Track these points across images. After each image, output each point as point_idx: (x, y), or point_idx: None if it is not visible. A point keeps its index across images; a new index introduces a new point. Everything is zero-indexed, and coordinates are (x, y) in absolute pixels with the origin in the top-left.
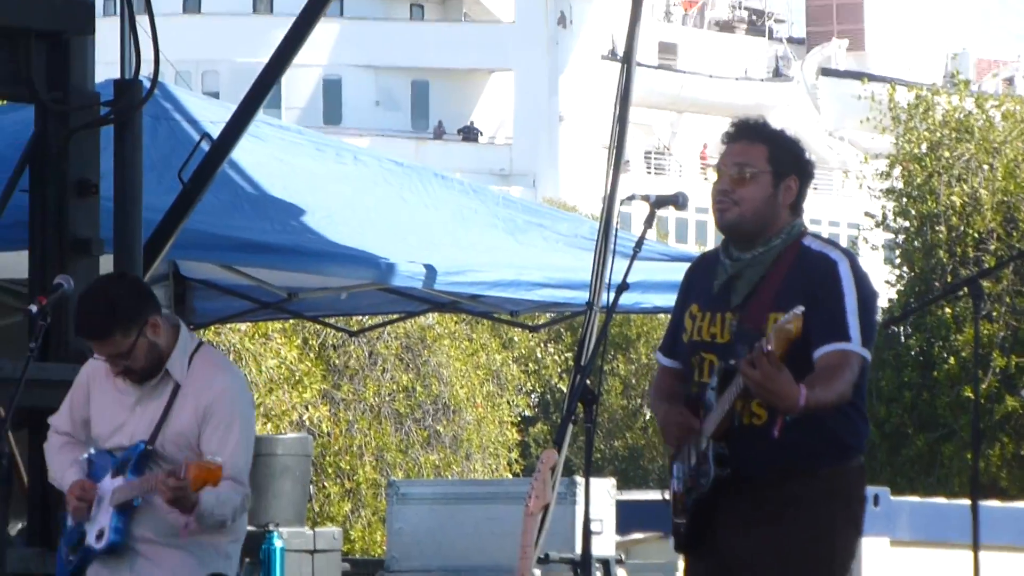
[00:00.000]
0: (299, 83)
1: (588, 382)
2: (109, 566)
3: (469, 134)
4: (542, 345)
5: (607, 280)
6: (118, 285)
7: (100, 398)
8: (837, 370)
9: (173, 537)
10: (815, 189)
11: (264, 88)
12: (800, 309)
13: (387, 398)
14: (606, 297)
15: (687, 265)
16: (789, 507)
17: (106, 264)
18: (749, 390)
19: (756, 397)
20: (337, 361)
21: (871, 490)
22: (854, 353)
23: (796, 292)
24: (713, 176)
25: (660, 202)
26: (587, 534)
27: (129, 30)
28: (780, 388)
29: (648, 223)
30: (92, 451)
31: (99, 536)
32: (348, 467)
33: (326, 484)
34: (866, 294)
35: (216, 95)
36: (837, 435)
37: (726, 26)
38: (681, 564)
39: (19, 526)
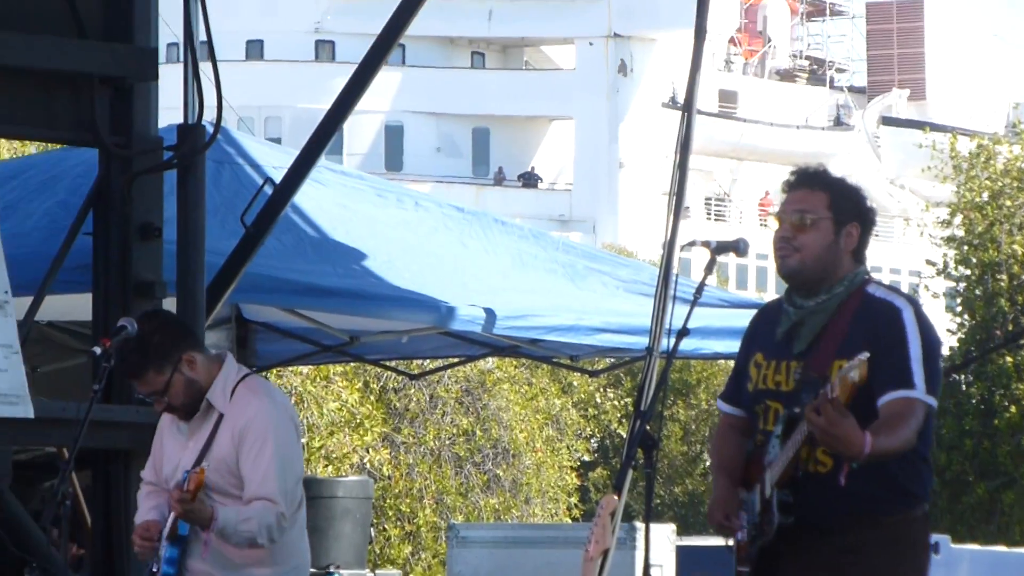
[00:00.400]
0: (361, 129)
1: (648, 427)
2: None
3: (529, 180)
4: (601, 390)
5: (667, 325)
6: (150, 324)
7: (168, 443)
8: (902, 418)
9: (227, 569)
10: (876, 237)
11: (327, 134)
12: (865, 355)
13: (447, 441)
14: (666, 343)
15: (747, 311)
16: (851, 554)
17: (169, 306)
18: (814, 437)
19: (821, 444)
20: (398, 404)
21: (932, 538)
22: (919, 401)
23: (860, 339)
24: (773, 223)
25: (720, 248)
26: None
27: (192, 76)
28: (845, 435)
29: (708, 269)
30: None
31: (154, 572)
32: (408, 510)
33: (386, 527)
34: (931, 341)
35: (278, 140)
36: (901, 483)
37: (787, 75)
38: None
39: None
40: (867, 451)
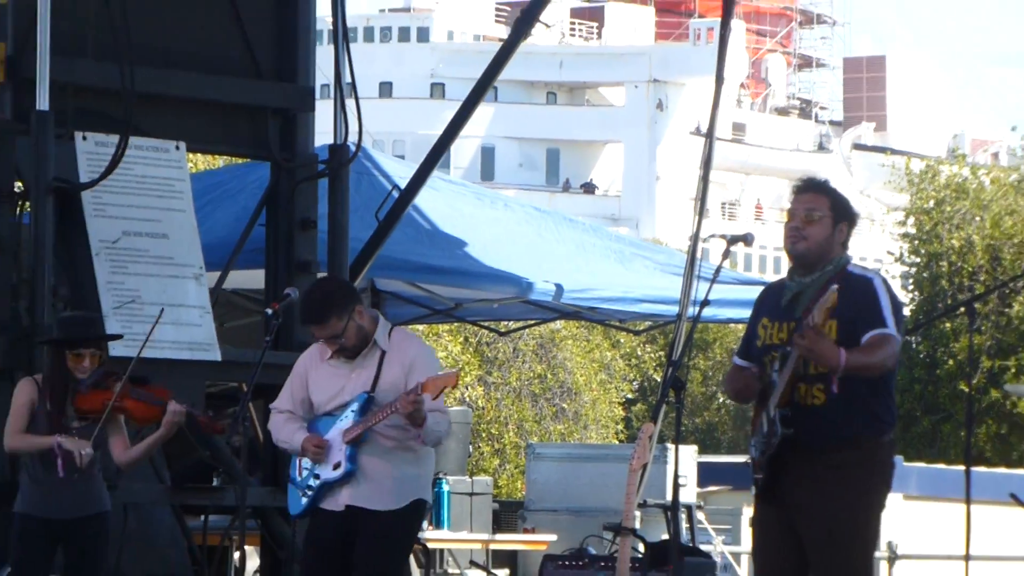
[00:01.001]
0: (464, 150)
1: (677, 373)
2: (334, 492)
3: (588, 188)
4: (642, 345)
5: (692, 297)
6: (330, 282)
7: (317, 378)
8: (878, 345)
9: (389, 467)
10: None
11: (439, 153)
12: (835, 287)
13: (526, 382)
14: (691, 310)
15: (752, 287)
16: (835, 470)
17: None
18: (804, 362)
19: (808, 359)
20: (489, 354)
21: None
22: (891, 335)
23: (844, 304)
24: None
25: (733, 240)
26: (675, 486)
27: (340, 109)
28: (824, 350)
29: (724, 256)
30: (313, 420)
31: (335, 467)
32: (496, 433)
33: (480, 445)
34: (895, 298)
35: (402, 158)
36: (876, 413)
37: (783, 111)
38: (746, 510)
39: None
40: (843, 363)
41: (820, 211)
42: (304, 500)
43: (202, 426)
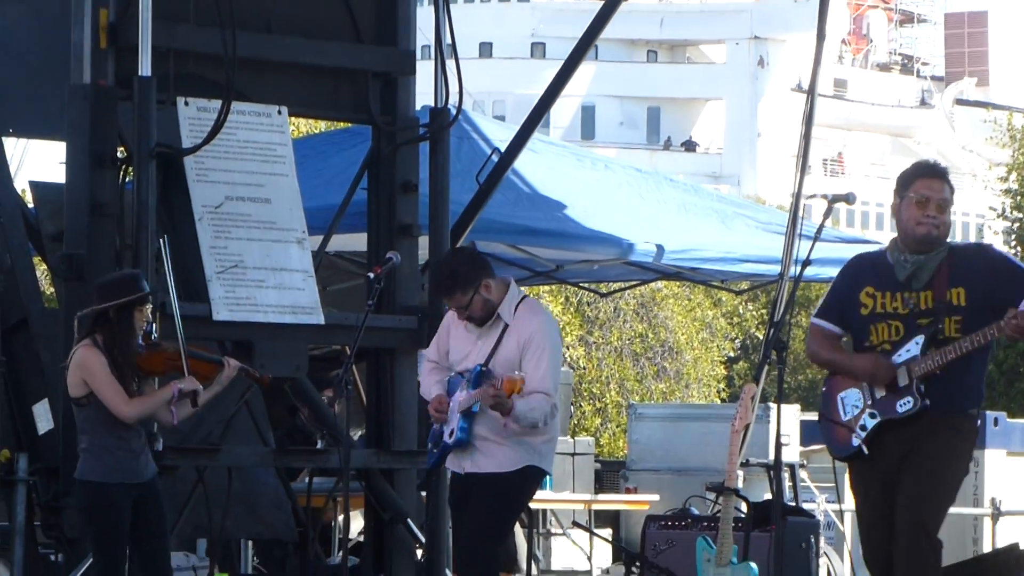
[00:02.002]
0: (564, 109)
1: (779, 335)
2: (458, 456)
3: (690, 146)
4: (743, 303)
5: (794, 256)
6: (459, 256)
7: (455, 335)
8: None
9: (501, 436)
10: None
11: (539, 115)
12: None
13: (627, 342)
14: (793, 270)
15: (855, 245)
16: (946, 431)
17: (423, 243)
18: (935, 333)
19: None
20: (590, 314)
21: (991, 414)
22: None
23: (967, 273)
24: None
25: (835, 199)
26: (778, 446)
27: (441, 71)
28: None
29: (826, 215)
30: (452, 373)
31: (450, 434)
32: (598, 392)
33: (582, 404)
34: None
35: (502, 119)
36: (978, 387)
37: (884, 67)
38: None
39: (359, 433)
40: None
41: (950, 201)
42: (435, 453)
43: (254, 381)
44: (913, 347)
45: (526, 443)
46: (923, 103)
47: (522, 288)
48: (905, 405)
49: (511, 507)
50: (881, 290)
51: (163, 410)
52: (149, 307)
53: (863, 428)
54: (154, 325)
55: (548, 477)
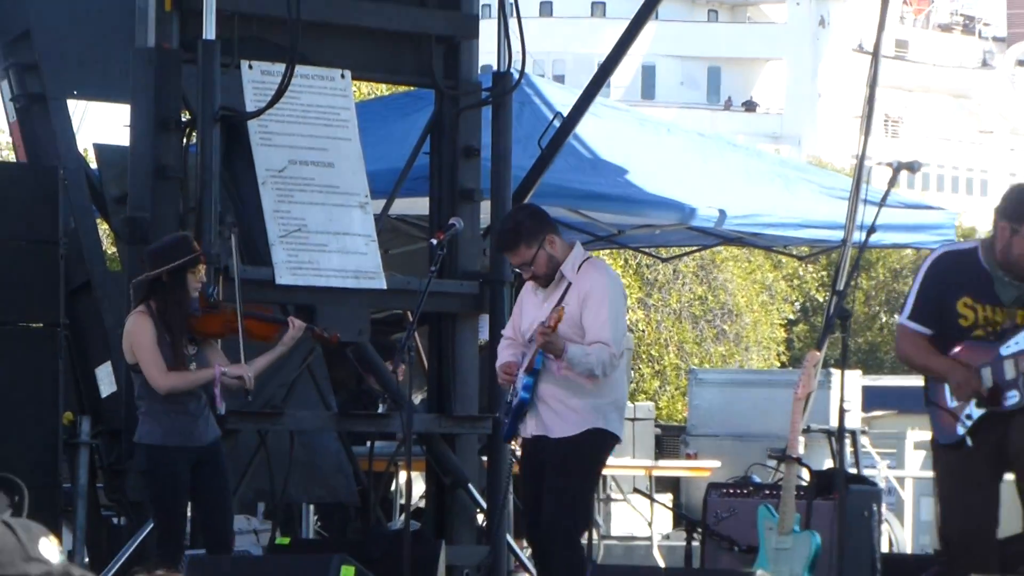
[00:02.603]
0: (624, 69)
1: (844, 304)
2: (526, 418)
3: (750, 106)
4: (804, 266)
5: (857, 222)
6: (523, 212)
7: (527, 307)
8: None
9: (564, 396)
10: (1012, 151)
11: (602, 80)
12: None
13: (686, 304)
14: (857, 235)
15: (917, 211)
16: None
17: (484, 208)
18: None
19: None
20: (649, 276)
21: None
22: None
23: None
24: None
25: (900, 167)
26: (841, 415)
27: (504, 36)
28: None
29: (890, 183)
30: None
31: (513, 396)
32: (657, 355)
33: (640, 367)
34: None
35: (562, 78)
36: None
37: (946, 27)
38: (910, 434)
39: (420, 398)
40: None
41: None
42: (506, 423)
43: (321, 341)
44: (1023, 339)
45: (589, 405)
46: (984, 64)
47: None
48: (1012, 398)
49: (583, 475)
50: (981, 303)
51: (218, 391)
52: (203, 269)
53: (968, 417)
54: (216, 288)
55: None
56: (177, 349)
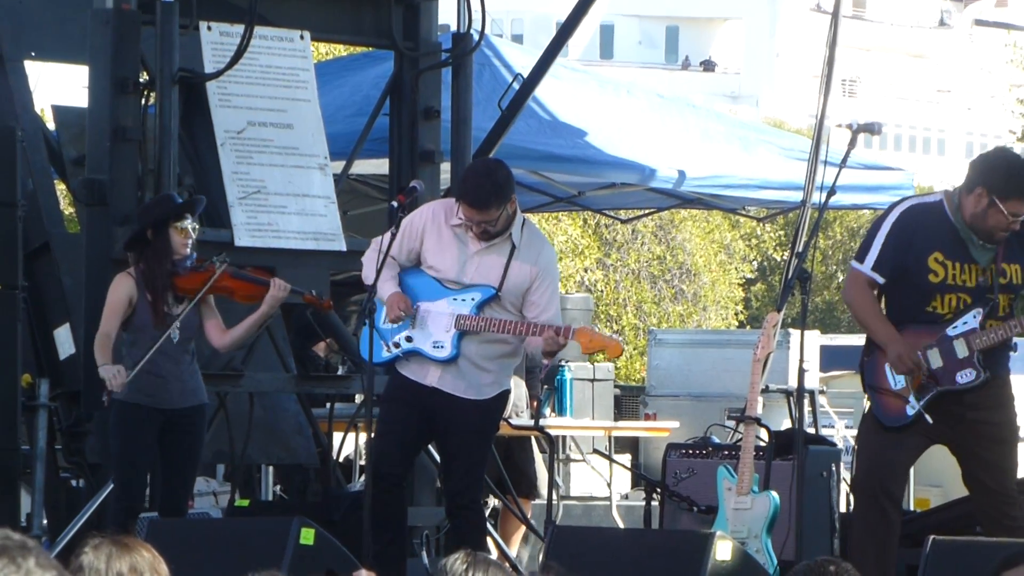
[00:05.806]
0: (582, 29)
1: (803, 265)
2: (421, 365)
3: (708, 66)
4: (761, 225)
5: (817, 184)
6: (501, 171)
7: (438, 240)
8: None
9: (487, 361)
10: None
11: (562, 41)
12: None
13: (644, 264)
14: (817, 197)
15: (877, 172)
16: (1001, 391)
17: (444, 169)
18: (996, 304)
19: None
20: (608, 236)
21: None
22: None
23: (1016, 248)
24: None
25: (859, 129)
26: (800, 376)
27: None
28: None
29: (850, 145)
30: (410, 273)
31: (436, 347)
32: (616, 315)
33: (599, 327)
34: None
35: (520, 38)
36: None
37: None
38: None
39: None
40: None
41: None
42: (387, 354)
43: (315, 304)
44: (971, 319)
45: (506, 366)
46: (942, 23)
47: (543, 213)
48: (966, 376)
49: (491, 439)
50: (951, 259)
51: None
52: (188, 225)
53: (918, 399)
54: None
55: (569, 404)
56: (157, 307)
